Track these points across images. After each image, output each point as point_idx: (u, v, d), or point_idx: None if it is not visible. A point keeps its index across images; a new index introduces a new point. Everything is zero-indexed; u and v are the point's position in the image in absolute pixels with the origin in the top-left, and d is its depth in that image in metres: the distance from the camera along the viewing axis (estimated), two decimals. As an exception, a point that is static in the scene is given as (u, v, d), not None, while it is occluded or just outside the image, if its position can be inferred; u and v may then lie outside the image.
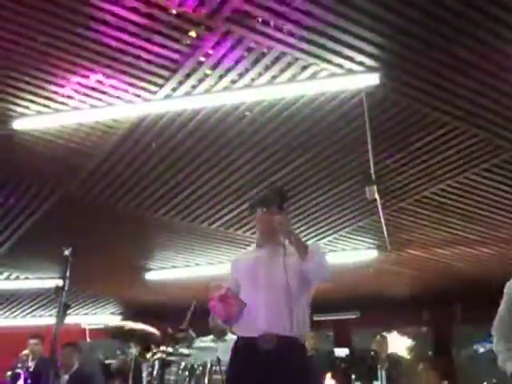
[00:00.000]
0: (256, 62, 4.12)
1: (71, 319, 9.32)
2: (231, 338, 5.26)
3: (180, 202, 6.24)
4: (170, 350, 4.87)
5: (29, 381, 6.63)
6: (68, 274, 3.45)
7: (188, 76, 4.27)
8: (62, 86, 4.42)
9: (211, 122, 4.86)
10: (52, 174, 5.73)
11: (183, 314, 4.77)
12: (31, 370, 6.73)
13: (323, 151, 5.28)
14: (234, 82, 4.33)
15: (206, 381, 4.61)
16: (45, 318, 10.16)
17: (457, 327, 9.08)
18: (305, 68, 4.17)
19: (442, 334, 9.34)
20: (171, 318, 5.29)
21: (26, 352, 6.91)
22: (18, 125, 4.84)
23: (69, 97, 4.53)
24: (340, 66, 4.12)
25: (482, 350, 8.88)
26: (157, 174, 5.66)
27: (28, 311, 10.36)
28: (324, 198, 6.07)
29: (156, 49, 4.01)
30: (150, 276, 8.57)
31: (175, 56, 4.08)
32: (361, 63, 4.09)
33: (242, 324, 3.10)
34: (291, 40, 3.89)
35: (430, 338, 9.55)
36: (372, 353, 6.70)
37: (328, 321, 9.79)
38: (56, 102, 4.59)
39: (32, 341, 6.96)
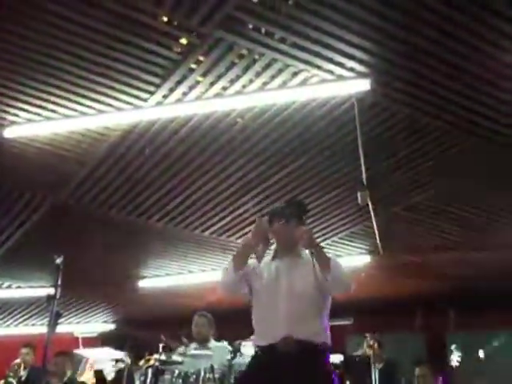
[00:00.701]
0: (247, 68, 4.13)
1: (64, 328, 9.28)
2: (215, 345, 5.25)
3: (172, 209, 6.22)
4: (163, 357, 4.86)
5: (21, 390, 6.59)
6: (60, 282, 3.44)
7: (179, 83, 4.28)
8: (52, 94, 4.41)
9: (203, 129, 4.86)
10: (43, 182, 5.71)
11: (176, 322, 4.77)
12: (23, 379, 6.68)
13: (315, 157, 5.28)
14: (225, 88, 4.34)
15: (200, 388, 4.60)
16: (37, 327, 10.08)
17: (451, 332, 9.06)
18: (296, 74, 4.19)
19: (436, 340, 9.32)
20: (165, 325, 5.27)
21: (17, 361, 6.84)
22: (8, 133, 4.83)
23: (60, 105, 4.53)
24: (330, 72, 4.14)
25: (476, 354, 8.87)
26: (149, 181, 5.65)
27: (20, 320, 10.28)
28: (316, 204, 6.07)
29: (147, 56, 4.01)
30: (143, 283, 8.54)
31: (166, 63, 4.08)
32: (351, 69, 4.11)
33: (261, 333, 3.15)
34: (282, 46, 3.91)
35: (424, 343, 9.54)
36: (367, 358, 6.67)
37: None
38: (47, 109, 4.58)
39: (24, 350, 6.90)
